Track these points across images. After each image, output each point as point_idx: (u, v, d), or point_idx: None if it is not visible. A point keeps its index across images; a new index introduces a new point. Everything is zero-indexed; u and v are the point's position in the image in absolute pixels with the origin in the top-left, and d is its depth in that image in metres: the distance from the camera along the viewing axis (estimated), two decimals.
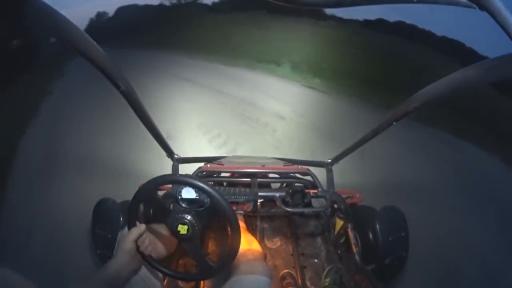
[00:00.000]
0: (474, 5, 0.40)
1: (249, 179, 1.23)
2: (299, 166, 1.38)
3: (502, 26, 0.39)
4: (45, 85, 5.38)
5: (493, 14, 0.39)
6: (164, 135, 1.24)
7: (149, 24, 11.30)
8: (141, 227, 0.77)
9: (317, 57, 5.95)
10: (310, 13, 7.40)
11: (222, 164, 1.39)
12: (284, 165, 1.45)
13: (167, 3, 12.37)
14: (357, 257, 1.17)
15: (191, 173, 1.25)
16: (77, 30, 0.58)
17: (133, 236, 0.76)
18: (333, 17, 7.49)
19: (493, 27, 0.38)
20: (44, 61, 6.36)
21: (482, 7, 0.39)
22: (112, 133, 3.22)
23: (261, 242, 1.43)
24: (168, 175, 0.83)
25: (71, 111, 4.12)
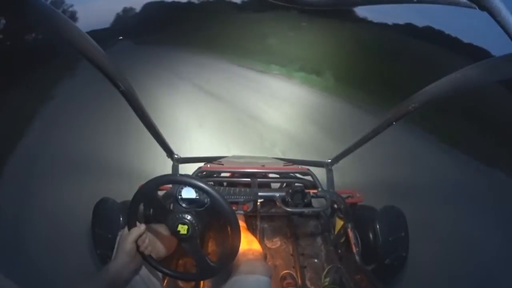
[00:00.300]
0: (474, 5, 0.40)
1: (249, 179, 1.23)
2: (299, 166, 1.38)
3: (502, 26, 0.39)
4: (51, 86, 5.26)
5: (493, 14, 0.39)
6: None
7: (175, 21, 10.74)
8: (141, 227, 0.77)
9: (360, 67, 4.94)
10: (341, 15, 6.96)
11: (222, 164, 1.39)
12: (284, 165, 1.45)
13: (195, 0, 12.01)
14: (357, 257, 1.17)
15: (191, 173, 1.25)
16: (77, 30, 0.59)
17: (133, 236, 0.76)
18: (364, 20, 7.15)
19: None
20: (54, 60, 6.01)
21: (482, 7, 0.39)
22: (112, 133, 3.22)
23: (261, 242, 1.43)
24: (169, 175, 0.83)
25: (73, 111, 4.13)
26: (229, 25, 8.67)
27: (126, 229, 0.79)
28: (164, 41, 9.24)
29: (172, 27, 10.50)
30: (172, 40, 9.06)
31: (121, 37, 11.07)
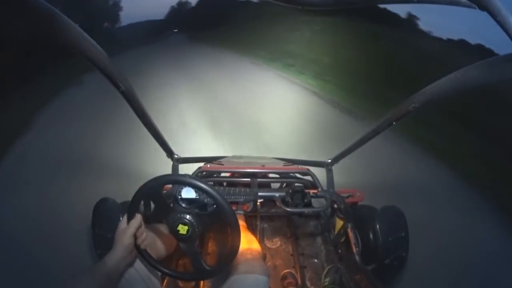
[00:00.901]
0: (474, 5, 0.40)
1: (249, 179, 1.23)
2: (299, 166, 1.38)
3: (502, 26, 0.39)
4: (57, 88, 5.11)
5: (493, 14, 0.39)
6: None
7: (231, 19, 10.01)
8: (137, 218, 0.77)
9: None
10: (409, 26, 6.46)
11: (222, 164, 1.39)
12: (284, 165, 1.45)
13: None
14: (357, 257, 1.17)
15: (191, 173, 1.25)
16: (78, 30, 0.59)
17: (132, 229, 0.75)
18: (427, 34, 6.58)
19: None
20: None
21: (482, 7, 0.39)
22: (112, 133, 3.22)
23: (261, 242, 1.43)
24: (177, 175, 0.83)
25: (73, 111, 4.13)
26: (293, 31, 6.91)
27: (123, 221, 0.78)
28: (218, 40, 8.48)
29: (227, 25, 9.83)
30: (226, 41, 8.09)
31: (175, 30, 11.20)
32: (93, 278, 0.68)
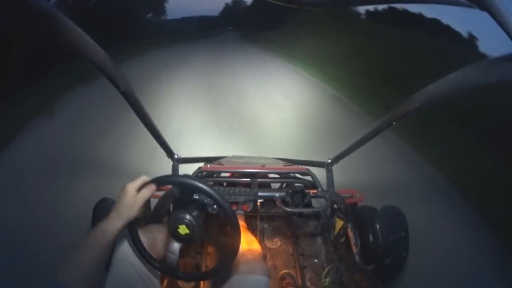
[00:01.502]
0: (474, 5, 0.40)
1: (249, 179, 1.23)
2: (299, 166, 1.38)
3: (502, 26, 0.39)
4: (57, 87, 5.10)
5: (493, 14, 0.39)
6: None
7: (287, 24, 9.16)
8: (151, 188, 0.73)
9: None
10: (462, 45, 6.07)
11: (222, 164, 1.39)
12: (284, 165, 1.45)
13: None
14: (357, 257, 1.17)
15: (191, 173, 1.25)
16: (78, 31, 0.59)
17: (141, 202, 0.71)
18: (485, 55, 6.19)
19: None
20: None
21: (482, 7, 0.39)
22: (112, 133, 3.22)
23: (261, 242, 1.43)
24: (178, 175, 0.82)
25: (73, 111, 4.13)
26: (370, 44, 5.63)
27: (133, 186, 0.72)
28: (270, 44, 7.52)
29: (281, 29, 9.00)
30: (279, 48, 6.98)
31: (230, 28, 11.30)
32: (96, 248, 0.66)
